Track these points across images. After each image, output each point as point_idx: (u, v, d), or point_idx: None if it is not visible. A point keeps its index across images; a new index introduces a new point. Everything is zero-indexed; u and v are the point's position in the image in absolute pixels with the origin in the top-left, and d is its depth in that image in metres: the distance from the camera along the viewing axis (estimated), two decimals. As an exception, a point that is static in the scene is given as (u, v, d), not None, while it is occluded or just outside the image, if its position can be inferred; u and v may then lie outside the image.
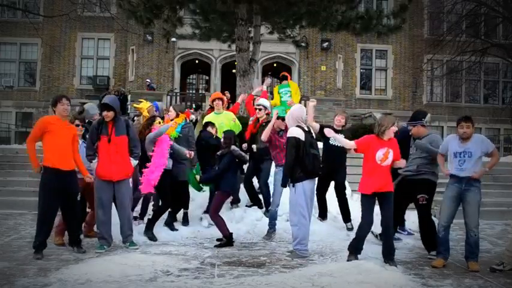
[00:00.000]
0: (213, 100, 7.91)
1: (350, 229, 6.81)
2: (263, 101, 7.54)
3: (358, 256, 5.28)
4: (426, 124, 5.83)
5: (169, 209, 6.72)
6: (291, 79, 8.97)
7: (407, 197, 5.91)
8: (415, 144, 5.87)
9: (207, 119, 7.54)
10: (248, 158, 6.88)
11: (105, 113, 5.60)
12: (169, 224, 6.66)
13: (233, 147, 6.20)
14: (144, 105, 7.01)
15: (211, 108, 8.29)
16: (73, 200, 5.37)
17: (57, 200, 5.25)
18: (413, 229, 6.83)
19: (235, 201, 7.39)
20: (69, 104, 5.34)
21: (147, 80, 20.85)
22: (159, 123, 6.49)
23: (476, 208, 5.16)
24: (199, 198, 7.44)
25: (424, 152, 5.73)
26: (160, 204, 6.55)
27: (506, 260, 5.07)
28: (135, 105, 6.03)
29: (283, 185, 5.60)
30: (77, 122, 6.15)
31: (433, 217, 8.61)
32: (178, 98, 20.81)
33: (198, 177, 6.45)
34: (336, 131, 6.55)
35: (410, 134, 6.02)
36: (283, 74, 9.03)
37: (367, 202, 5.23)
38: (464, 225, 5.20)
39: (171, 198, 6.49)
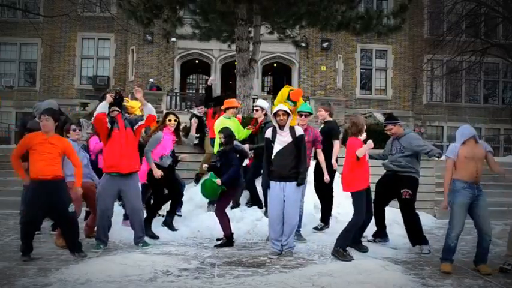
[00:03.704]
0: (227, 108, 7.55)
1: (318, 229, 6.70)
2: (260, 102, 7.56)
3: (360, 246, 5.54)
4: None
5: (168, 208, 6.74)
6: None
7: (389, 192, 6.00)
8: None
9: (220, 124, 7.35)
10: (251, 155, 6.85)
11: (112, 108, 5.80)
12: (169, 224, 6.65)
13: (235, 142, 6.13)
14: (135, 104, 6.99)
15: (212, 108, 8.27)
16: (63, 211, 5.16)
17: (40, 212, 5.17)
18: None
19: (235, 206, 7.37)
20: (48, 120, 5.17)
21: (151, 79, 20.80)
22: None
23: (488, 212, 5.13)
24: (198, 198, 7.43)
25: (408, 151, 5.91)
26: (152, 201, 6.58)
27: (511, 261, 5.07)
28: (124, 103, 6.16)
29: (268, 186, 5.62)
30: (73, 126, 6.16)
31: (433, 217, 8.73)
32: (178, 98, 20.83)
33: (218, 181, 5.90)
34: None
35: (390, 133, 6.20)
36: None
37: (363, 196, 5.46)
38: (478, 230, 5.10)
39: (164, 195, 6.52)
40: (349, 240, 5.45)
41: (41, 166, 5.03)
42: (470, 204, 5.05)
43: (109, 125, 5.64)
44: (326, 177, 6.45)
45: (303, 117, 6.44)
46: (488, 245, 5.08)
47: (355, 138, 5.52)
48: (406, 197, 5.84)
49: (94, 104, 19.83)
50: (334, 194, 6.90)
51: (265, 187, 5.70)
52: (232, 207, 7.15)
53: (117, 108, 5.86)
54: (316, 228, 6.73)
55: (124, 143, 5.66)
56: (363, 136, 5.55)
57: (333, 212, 7.29)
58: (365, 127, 5.62)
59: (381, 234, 6.26)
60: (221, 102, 7.76)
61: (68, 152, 5.30)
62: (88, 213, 6.49)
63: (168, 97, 20.18)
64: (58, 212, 5.21)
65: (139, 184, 6.00)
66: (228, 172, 5.91)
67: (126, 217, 6.78)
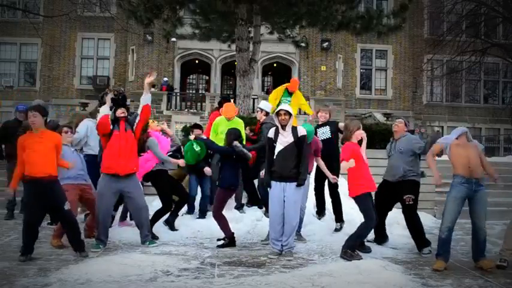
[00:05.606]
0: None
1: (338, 230, 6.72)
2: (262, 104, 7.60)
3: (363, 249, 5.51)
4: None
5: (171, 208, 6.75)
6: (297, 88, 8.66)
7: (391, 198, 5.97)
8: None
9: (219, 123, 7.38)
10: (250, 156, 6.85)
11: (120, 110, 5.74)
12: (170, 224, 6.65)
13: (235, 142, 6.04)
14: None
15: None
16: (59, 210, 5.15)
17: (39, 212, 5.17)
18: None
19: (239, 207, 7.37)
20: (36, 116, 5.11)
21: (165, 78, 20.78)
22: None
23: (486, 208, 5.16)
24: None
25: (407, 153, 5.87)
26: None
27: (508, 257, 5.08)
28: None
29: (268, 186, 5.59)
30: (65, 129, 6.14)
31: (433, 217, 8.72)
32: (178, 98, 20.83)
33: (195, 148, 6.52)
34: (321, 126, 6.94)
35: (395, 128, 6.12)
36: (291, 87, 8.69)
37: (370, 200, 5.47)
38: (472, 225, 5.16)
39: (171, 199, 6.49)
40: (358, 244, 5.44)
41: (32, 164, 4.99)
42: (467, 200, 5.11)
43: (111, 126, 5.62)
44: (333, 177, 6.42)
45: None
46: (484, 237, 5.13)
47: (349, 143, 5.54)
48: (410, 202, 5.83)
49: (94, 104, 19.86)
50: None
51: (266, 186, 5.71)
52: (236, 207, 7.19)
53: (125, 111, 5.76)
54: (336, 230, 6.75)
55: (123, 145, 5.63)
56: (358, 134, 5.57)
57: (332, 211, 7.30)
58: (357, 130, 5.56)
59: (380, 238, 6.26)
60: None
61: (59, 148, 5.26)
62: (87, 214, 6.49)
63: (168, 97, 20.19)
64: (54, 210, 5.20)
65: (140, 183, 5.99)
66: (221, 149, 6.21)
67: (123, 218, 6.78)
